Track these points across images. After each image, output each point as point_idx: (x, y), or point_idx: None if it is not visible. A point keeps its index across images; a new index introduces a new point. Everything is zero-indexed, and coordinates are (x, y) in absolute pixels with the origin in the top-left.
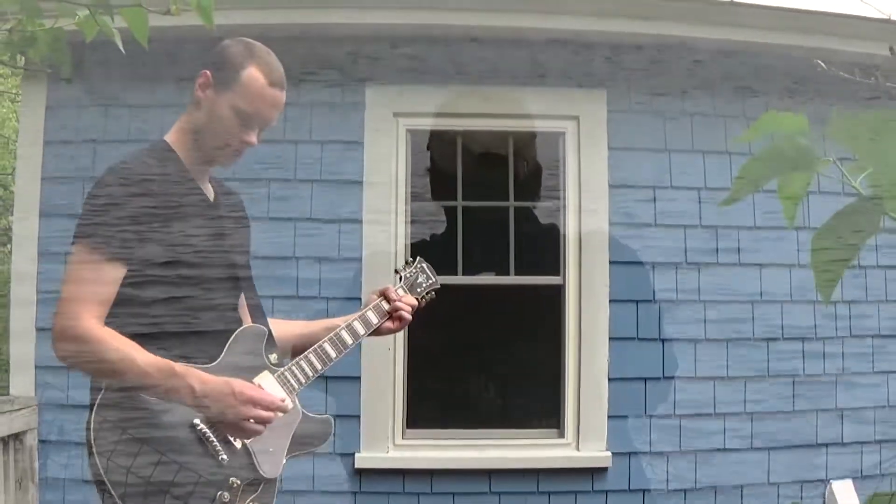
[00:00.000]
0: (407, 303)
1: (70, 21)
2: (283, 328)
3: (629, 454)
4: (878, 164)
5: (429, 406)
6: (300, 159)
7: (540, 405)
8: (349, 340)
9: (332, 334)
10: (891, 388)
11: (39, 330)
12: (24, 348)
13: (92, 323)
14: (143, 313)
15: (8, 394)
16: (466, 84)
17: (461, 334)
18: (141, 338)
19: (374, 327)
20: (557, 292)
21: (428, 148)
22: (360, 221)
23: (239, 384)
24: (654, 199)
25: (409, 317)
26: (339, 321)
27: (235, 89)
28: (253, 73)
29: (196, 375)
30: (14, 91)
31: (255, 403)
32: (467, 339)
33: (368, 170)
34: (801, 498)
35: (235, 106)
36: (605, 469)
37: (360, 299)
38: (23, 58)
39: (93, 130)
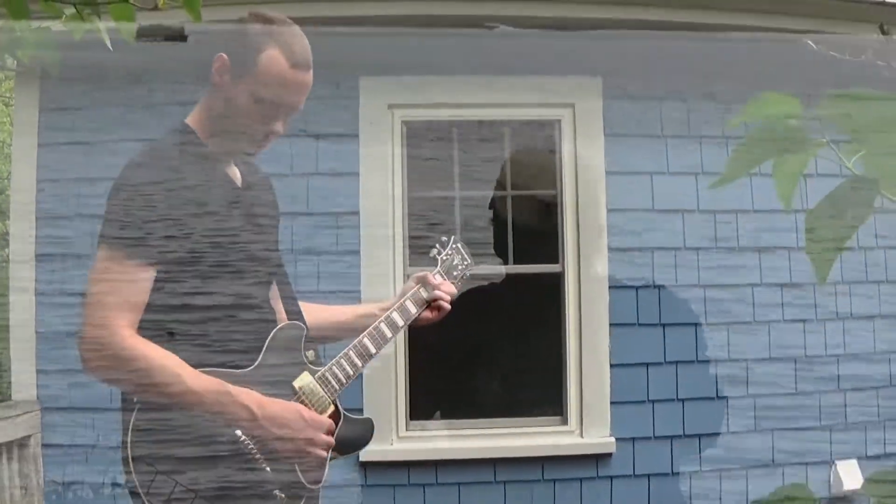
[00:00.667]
0: (446, 291)
1: (58, 20)
2: (317, 315)
3: (633, 439)
4: (872, 144)
5: (432, 397)
6: (295, 153)
7: (543, 393)
8: (389, 334)
9: (371, 328)
10: (892, 368)
11: (39, 333)
12: (24, 352)
13: (128, 334)
14: (173, 313)
15: (10, 399)
16: (461, 74)
17: (462, 325)
18: (170, 340)
19: (413, 318)
20: (557, 280)
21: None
22: (357, 214)
23: (306, 410)
24: (652, 185)
25: (448, 306)
26: (374, 308)
27: (254, 74)
28: (273, 56)
29: (254, 399)
30: (7, 94)
31: (320, 428)
32: (469, 330)
33: (364, 162)
34: (807, 478)
35: (255, 93)
36: (609, 455)
37: (359, 292)
38: (13, 60)
39: (86, 132)
